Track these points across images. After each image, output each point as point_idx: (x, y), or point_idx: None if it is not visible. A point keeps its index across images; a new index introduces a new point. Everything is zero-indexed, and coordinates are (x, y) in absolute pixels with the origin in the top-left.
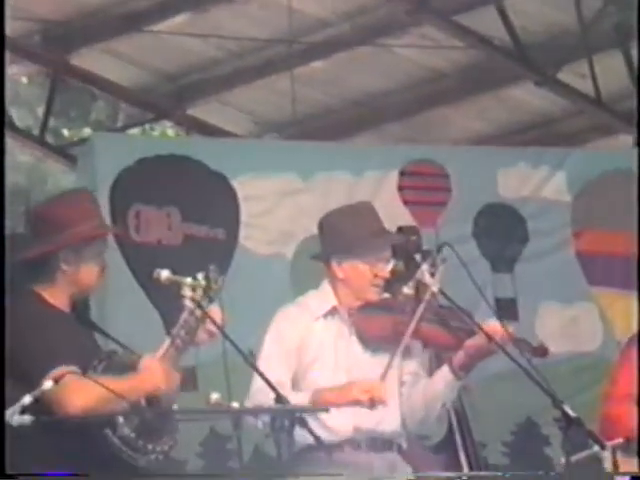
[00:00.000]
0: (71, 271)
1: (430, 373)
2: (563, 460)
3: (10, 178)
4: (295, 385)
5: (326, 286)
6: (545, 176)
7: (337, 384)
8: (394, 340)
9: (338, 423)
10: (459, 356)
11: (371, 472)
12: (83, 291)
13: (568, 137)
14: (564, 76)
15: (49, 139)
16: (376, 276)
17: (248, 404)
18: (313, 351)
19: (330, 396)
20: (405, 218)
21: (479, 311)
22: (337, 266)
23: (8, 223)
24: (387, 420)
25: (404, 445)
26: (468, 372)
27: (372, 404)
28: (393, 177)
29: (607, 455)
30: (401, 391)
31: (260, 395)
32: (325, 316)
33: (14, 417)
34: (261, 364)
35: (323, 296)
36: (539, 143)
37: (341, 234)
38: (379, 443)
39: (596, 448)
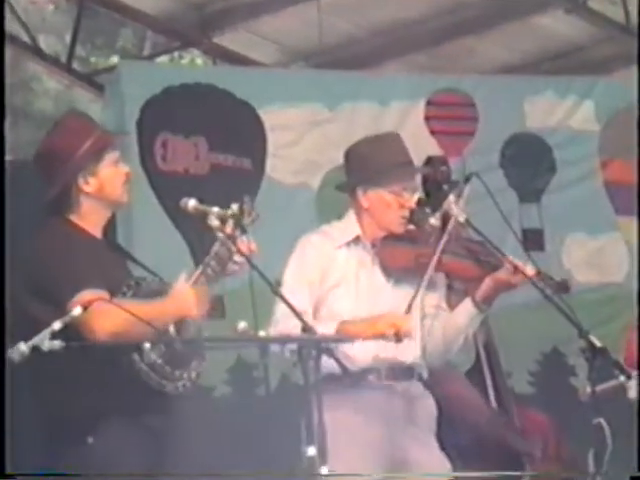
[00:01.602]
0: (94, 190)
1: (448, 305)
2: (589, 390)
3: (38, 104)
4: (316, 312)
5: (351, 216)
6: (572, 105)
7: (361, 315)
8: (417, 272)
9: (358, 352)
10: (482, 289)
11: (392, 402)
12: (113, 204)
13: (597, 66)
14: (594, 3)
15: (76, 66)
16: (402, 207)
17: (272, 331)
18: (334, 278)
19: (355, 328)
20: (432, 148)
21: (506, 242)
22: (362, 195)
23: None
24: (408, 350)
25: (425, 375)
26: (490, 305)
27: (398, 338)
28: (419, 107)
29: (633, 384)
30: (423, 323)
31: (284, 321)
32: (348, 245)
33: (44, 342)
34: (284, 290)
35: (347, 225)
36: (567, 72)
37: (367, 163)
38: (399, 372)
39: (622, 378)
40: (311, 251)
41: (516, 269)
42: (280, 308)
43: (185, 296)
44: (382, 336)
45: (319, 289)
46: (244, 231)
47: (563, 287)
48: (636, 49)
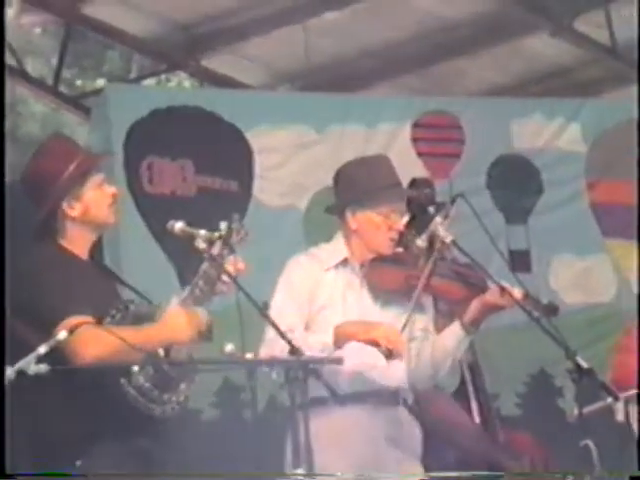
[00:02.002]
0: (79, 214)
1: (435, 327)
2: (576, 412)
3: (25, 127)
4: (306, 329)
5: (339, 238)
6: (560, 127)
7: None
8: (405, 294)
9: (344, 376)
10: (470, 311)
11: (377, 426)
12: (100, 227)
13: (583, 87)
14: (580, 26)
15: (63, 89)
16: (390, 228)
17: (262, 352)
18: (322, 300)
19: (352, 330)
20: (419, 170)
21: (493, 263)
22: (351, 217)
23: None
24: (393, 374)
25: (410, 400)
26: (478, 327)
27: (389, 353)
28: (407, 129)
29: (620, 406)
30: (410, 346)
31: (274, 344)
32: (336, 267)
33: (30, 366)
34: (273, 312)
35: (335, 247)
36: (554, 93)
37: (356, 185)
38: (385, 397)
39: (609, 399)
40: (299, 272)
41: (503, 291)
42: (271, 330)
43: (177, 320)
44: (374, 344)
45: (308, 309)
46: (232, 251)
47: (551, 310)
48: (621, 71)
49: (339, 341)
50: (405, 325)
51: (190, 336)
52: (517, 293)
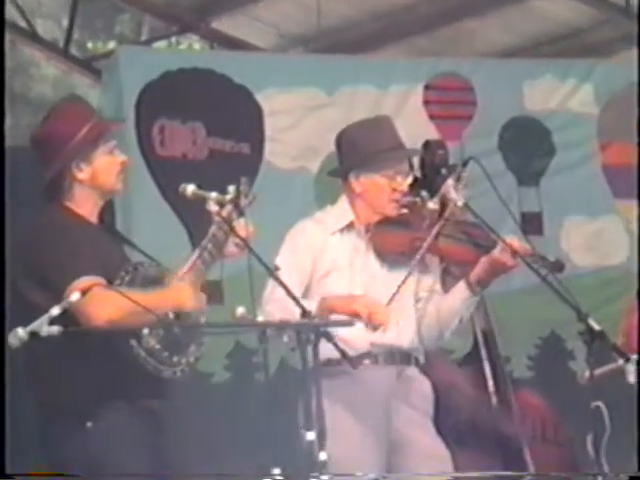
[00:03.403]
0: (88, 178)
1: (443, 289)
2: (587, 373)
3: (37, 89)
4: (306, 296)
5: (343, 202)
6: (572, 88)
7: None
8: (411, 256)
9: (355, 338)
10: (476, 270)
11: (389, 386)
12: (107, 193)
13: (596, 48)
14: None
15: (74, 52)
16: (394, 190)
17: (267, 310)
18: (328, 264)
19: (335, 303)
20: (430, 132)
21: (504, 226)
22: (355, 181)
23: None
24: (404, 335)
25: (421, 359)
26: (484, 288)
27: (371, 323)
28: (418, 91)
29: (631, 368)
30: (417, 307)
31: (280, 303)
32: (341, 231)
33: (43, 328)
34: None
35: (340, 211)
36: (566, 55)
37: (359, 148)
38: (397, 357)
39: (620, 361)
40: (303, 238)
41: (509, 249)
42: (276, 289)
43: (181, 291)
44: (356, 315)
45: (310, 276)
46: (241, 213)
47: (557, 266)
48: (636, 31)
49: (322, 313)
50: (394, 296)
51: (195, 305)
52: (523, 250)
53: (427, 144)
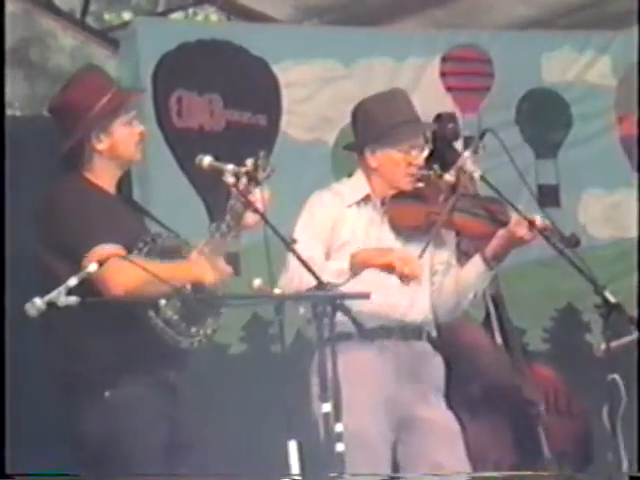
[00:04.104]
0: (107, 148)
1: (458, 263)
2: (603, 346)
3: (54, 60)
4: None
5: (360, 175)
6: (590, 60)
7: (368, 275)
8: (426, 230)
9: (369, 311)
10: (491, 245)
11: (401, 360)
12: (126, 164)
13: (614, 19)
14: None
15: (90, 23)
16: (410, 164)
17: (283, 281)
18: (344, 236)
19: (367, 256)
20: (447, 104)
21: (521, 198)
22: (371, 155)
23: None
24: (417, 308)
25: (434, 333)
26: (500, 261)
27: (405, 276)
28: (435, 63)
29: None
30: (433, 280)
31: (296, 274)
32: (358, 203)
33: (60, 298)
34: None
35: (357, 184)
36: (585, 26)
37: (374, 123)
38: (409, 331)
39: (636, 334)
40: (321, 209)
41: (525, 223)
42: (290, 263)
43: (200, 266)
44: (390, 268)
45: (329, 244)
46: (258, 185)
47: (573, 241)
48: None
49: (355, 267)
50: (422, 253)
51: (213, 281)
52: (540, 223)
53: (439, 117)
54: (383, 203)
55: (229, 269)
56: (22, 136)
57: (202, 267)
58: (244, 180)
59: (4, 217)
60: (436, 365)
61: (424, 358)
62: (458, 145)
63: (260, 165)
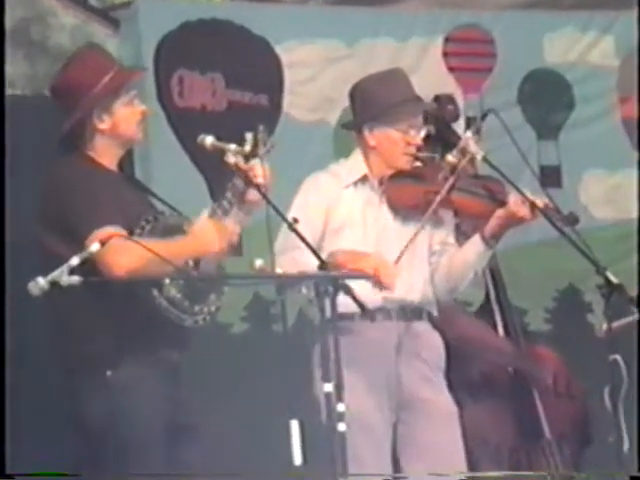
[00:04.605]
0: (108, 128)
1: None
2: (605, 326)
3: (55, 39)
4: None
5: (357, 155)
6: (592, 40)
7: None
8: (425, 209)
9: (368, 292)
10: (490, 224)
11: (401, 341)
12: (127, 143)
13: (618, 0)
14: None
15: (92, 1)
16: (408, 144)
17: (282, 259)
18: (341, 218)
19: (343, 259)
20: (449, 85)
21: (523, 179)
22: (369, 134)
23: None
24: (416, 289)
25: (434, 312)
26: (498, 240)
27: (378, 283)
28: (438, 43)
29: None
30: (431, 260)
31: (294, 253)
32: (355, 184)
33: (63, 277)
34: (284, 229)
35: (354, 164)
36: (588, 6)
37: (373, 102)
38: (408, 311)
39: (637, 314)
40: (315, 192)
41: (524, 202)
42: (279, 241)
43: (206, 233)
44: (362, 274)
45: (322, 229)
46: (259, 159)
47: (571, 219)
48: None
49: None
50: (400, 257)
51: (220, 247)
52: (539, 202)
53: (437, 99)
54: (381, 183)
55: (238, 229)
56: (23, 115)
57: (207, 235)
58: (245, 159)
59: (4, 197)
60: (437, 345)
61: (425, 338)
62: (458, 126)
63: (260, 139)
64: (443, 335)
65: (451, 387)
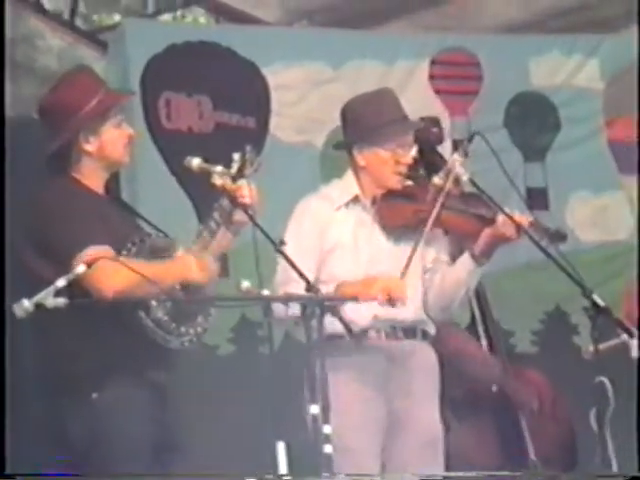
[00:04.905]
0: (95, 150)
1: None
2: (591, 348)
3: (42, 60)
4: (317, 276)
5: (349, 175)
6: (578, 63)
7: (359, 277)
8: (416, 228)
9: (358, 313)
10: (479, 242)
11: (392, 360)
12: (113, 166)
13: (602, 23)
14: None
15: (79, 24)
16: (398, 163)
17: (277, 289)
18: (333, 239)
19: (352, 290)
20: (436, 107)
21: (510, 201)
22: (359, 154)
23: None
24: (408, 309)
25: (432, 331)
26: (489, 258)
27: (391, 302)
28: (424, 66)
29: (635, 343)
30: (424, 278)
31: (286, 285)
32: (347, 205)
33: (48, 299)
34: (282, 263)
35: (346, 185)
36: (573, 30)
37: (362, 121)
38: (401, 330)
39: (624, 336)
40: (309, 217)
41: (511, 220)
42: (281, 268)
43: (187, 263)
44: (375, 299)
45: (319, 252)
46: (244, 178)
47: (559, 236)
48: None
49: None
50: (405, 270)
51: (202, 277)
52: (525, 221)
53: (422, 121)
54: (374, 203)
55: (216, 267)
56: (8, 138)
57: (188, 265)
58: (232, 180)
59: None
60: (430, 365)
61: (417, 357)
62: (444, 148)
63: (247, 159)
64: (439, 354)
65: (440, 408)
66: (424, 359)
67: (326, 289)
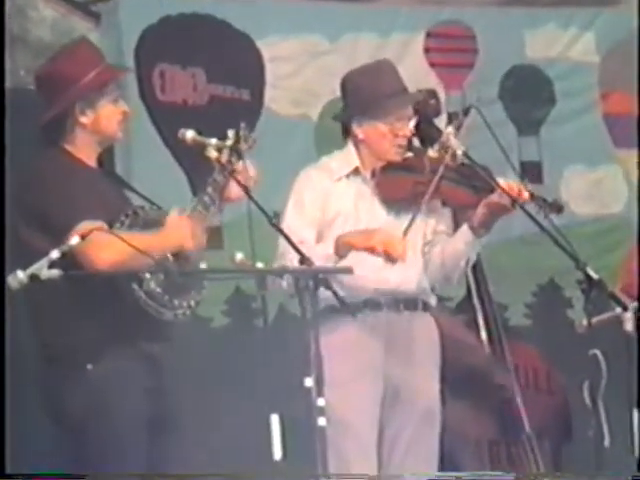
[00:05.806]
0: (90, 123)
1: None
2: (585, 322)
3: (35, 32)
4: (318, 240)
5: (349, 147)
6: (573, 37)
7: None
8: (414, 200)
9: (358, 284)
10: (477, 214)
11: (392, 331)
12: (107, 141)
13: None
14: None
15: None
16: (397, 136)
17: (276, 264)
18: (334, 211)
19: (351, 239)
20: (431, 80)
21: (504, 174)
22: (358, 127)
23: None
24: (409, 280)
25: (432, 302)
26: (488, 229)
27: (389, 258)
28: (420, 39)
29: (629, 316)
30: (424, 249)
31: (286, 258)
32: (347, 176)
33: (42, 271)
34: (285, 228)
35: (346, 157)
36: (570, 3)
37: (360, 96)
38: (401, 303)
39: (618, 310)
40: (310, 188)
41: (509, 190)
42: (282, 244)
43: (179, 228)
44: (373, 251)
45: (320, 222)
46: (241, 157)
47: (556, 207)
48: None
49: (340, 251)
50: (407, 230)
51: (194, 243)
52: (523, 189)
53: (420, 93)
54: (373, 175)
55: (203, 239)
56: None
57: (180, 232)
58: (226, 152)
59: None
60: (432, 336)
61: (418, 329)
62: (441, 121)
63: (242, 136)
64: (439, 326)
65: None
66: (425, 330)
67: (325, 246)
